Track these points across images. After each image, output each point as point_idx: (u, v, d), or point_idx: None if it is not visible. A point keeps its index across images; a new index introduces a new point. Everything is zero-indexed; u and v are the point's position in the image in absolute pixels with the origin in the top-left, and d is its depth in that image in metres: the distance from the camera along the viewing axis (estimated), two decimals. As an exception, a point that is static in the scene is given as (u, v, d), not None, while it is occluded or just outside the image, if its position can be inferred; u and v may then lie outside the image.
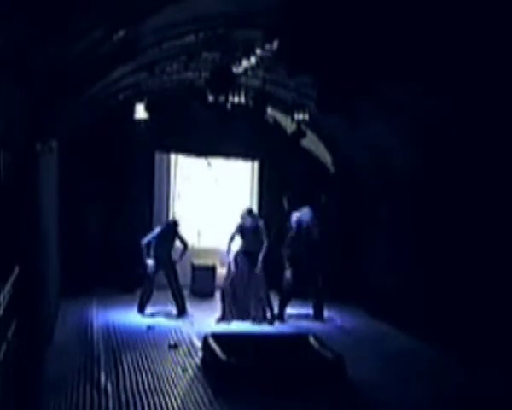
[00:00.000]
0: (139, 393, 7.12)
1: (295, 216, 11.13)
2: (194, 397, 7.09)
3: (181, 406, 6.83)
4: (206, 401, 6.98)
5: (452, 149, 8.94)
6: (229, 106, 9.03)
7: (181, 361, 8.36)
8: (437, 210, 9.66)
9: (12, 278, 5.21)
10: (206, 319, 10.66)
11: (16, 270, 5.44)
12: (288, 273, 10.98)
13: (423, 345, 9.40)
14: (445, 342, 8.86)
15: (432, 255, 9.75)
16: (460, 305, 8.83)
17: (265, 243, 10.67)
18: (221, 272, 13.09)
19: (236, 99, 9.00)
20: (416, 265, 10.19)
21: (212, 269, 13.02)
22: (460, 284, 8.88)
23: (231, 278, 10.72)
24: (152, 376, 7.72)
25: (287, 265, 10.96)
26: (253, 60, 8.35)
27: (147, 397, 7.00)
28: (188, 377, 7.75)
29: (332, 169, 13.54)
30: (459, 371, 8.32)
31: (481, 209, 8.53)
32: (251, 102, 10.14)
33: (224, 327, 10.19)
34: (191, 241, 13.64)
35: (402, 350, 9.42)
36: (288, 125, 12.04)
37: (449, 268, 9.22)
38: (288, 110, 11.15)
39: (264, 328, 10.33)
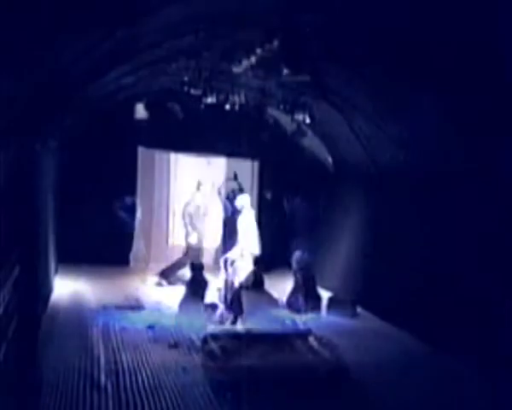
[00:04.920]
0: (139, 393, 7.11)
1: None
2: (195, 397, 7.08)
3: (181, 406, 6.83)
4: (206, 400, 6.98)
5: (452, 149, 8.93)
6: (228, 106, 9.04)
7: (181, 361, 8.36)
8: (439, 210, 9.64)
9: (12, 278, 5.21)
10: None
11: (16, 270, 5.44)
12: None
13: (424, 346, 9.39)
14: (447, 344, 8.85)
15: (436, 256, 9.71)
16: (464, 307, 8.79)
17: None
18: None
19: (236, 99, 9.00)
20: (420, 265, 10.15)
21: (212, 269, 12.99)
22: (465, 285, 8.84)
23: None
24: (152, 376, 7.72)
25: None
26: (253, 60, 8.34)
27: (147, 397, 7.00)
28: (188, 377, 7.75)
29: (332, 169, 13.54)
30: (460, 372, 8.31)
31: (485, 211, 8.52)
32: (251, 102, 10.15)
33: (224, 327, 10.18)
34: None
35: (403, 351, 9.41)
36: (288, 125, 12.03)
37: (455, 269, 9.17)
38: (288, 110, 11.15)
39: (264, 328, 10.31)
